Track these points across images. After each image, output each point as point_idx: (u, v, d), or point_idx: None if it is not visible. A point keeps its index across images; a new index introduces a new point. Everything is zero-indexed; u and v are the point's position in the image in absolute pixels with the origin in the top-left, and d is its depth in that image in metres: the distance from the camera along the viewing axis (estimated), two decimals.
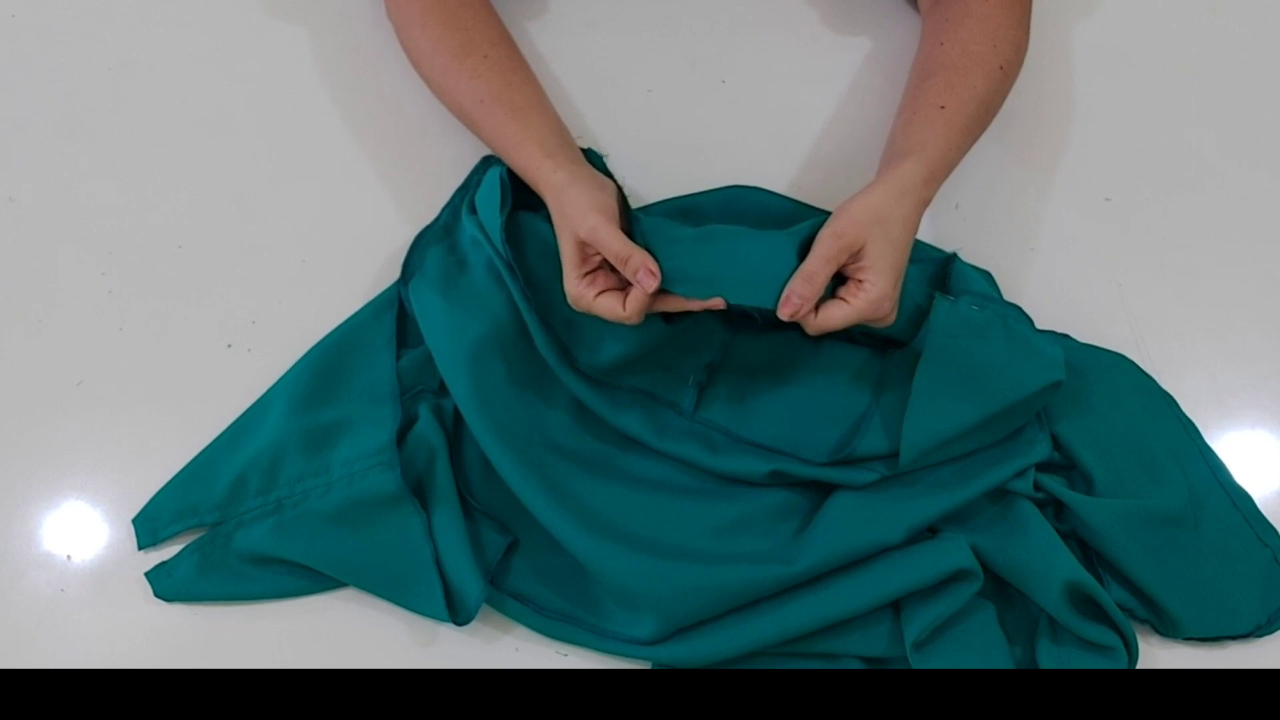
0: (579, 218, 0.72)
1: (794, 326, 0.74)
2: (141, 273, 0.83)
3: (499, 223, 0.77)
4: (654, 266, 0.70)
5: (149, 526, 0.76)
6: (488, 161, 0.85)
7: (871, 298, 0.70)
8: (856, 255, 0.71)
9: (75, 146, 0.87)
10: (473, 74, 0.80)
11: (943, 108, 0.78)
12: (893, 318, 0.72)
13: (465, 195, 0.84)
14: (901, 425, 0.73)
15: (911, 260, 0.80)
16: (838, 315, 0.71)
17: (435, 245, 0.82)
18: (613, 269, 0.73)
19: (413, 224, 0.84)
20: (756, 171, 0.85)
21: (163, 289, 0.83)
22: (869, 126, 0.88)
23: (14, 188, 0.86)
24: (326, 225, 0.85)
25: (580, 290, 0.72)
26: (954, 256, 0.81)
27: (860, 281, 0.71)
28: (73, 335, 0.81)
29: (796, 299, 0.70)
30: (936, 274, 0.80)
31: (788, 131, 0.89)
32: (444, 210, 0.84)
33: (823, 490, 0.76)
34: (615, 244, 0.70)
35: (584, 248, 0.72)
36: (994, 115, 0.82)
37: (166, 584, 0.75)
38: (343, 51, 0.90)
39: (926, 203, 0.75)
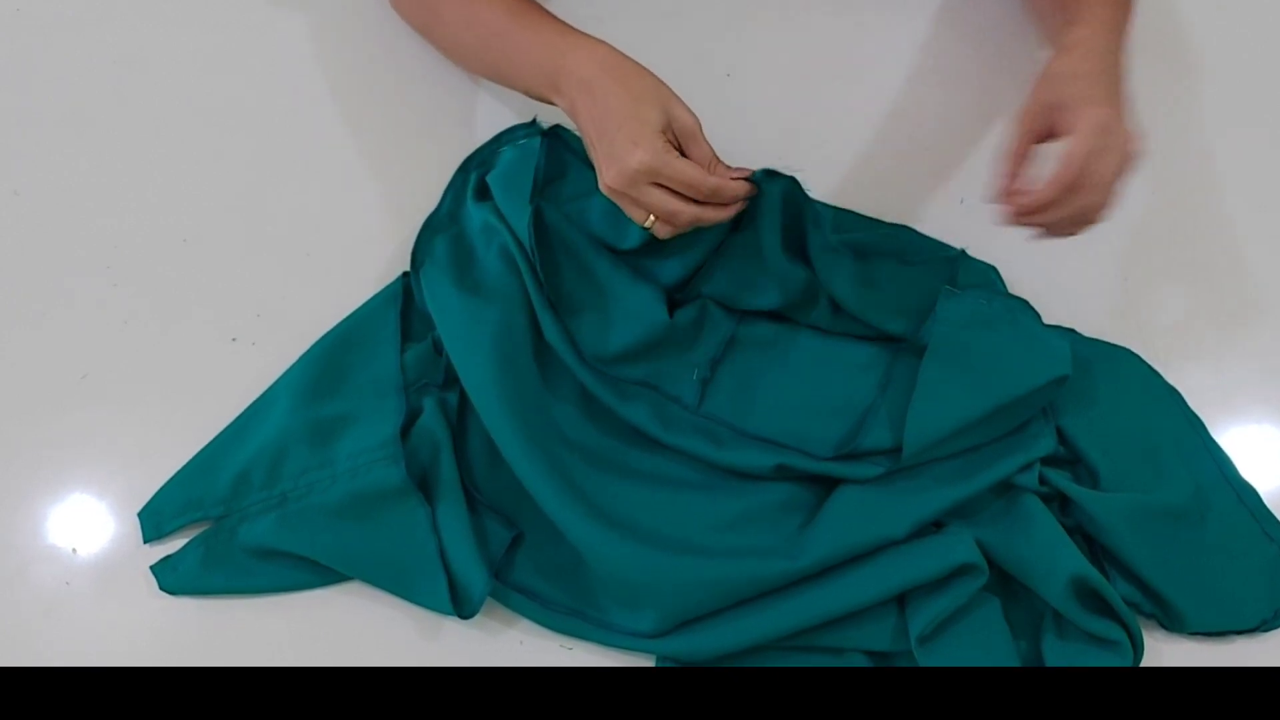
0: (677, 102, 0.71)
1: (798, 316, 0.76)
2: (145, 267, 0.83)
3: (528, 211, 0.77)
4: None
5: (154, 520, 0.76)
6: (496, 142, 0.85)
7: (1095, 123, 0.66)
8: (1059, 110, 0.68)
9: (79, 141, 0.87)
10: None
11: None
12: (1134, 137, 0.68)
13: (466, 178, 0.84)
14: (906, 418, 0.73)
15: (918, 260, 0.80)
16: (1107, 163, 0.66)
17: (442, 233, 0.82)
18: None
19: (416, 218, 0.84)
20: (762, 166, 0.85)
21: (167, 283, 0.83)
22: (876, 119, 0.88)
23: (18, 182, 0.86)
24: (330, 219, 0.85)
25: (663, 145, 0.69)
26: (962, 253, 0.81)
27: (1075, 125, 0.67)
28: (77, 329, 0.81)
29: (1002, 180, 0.68)
30: (945, 271, 0.80)
31: (794, 125, 0.89)
32: (446, 194, 0.84)
33: (827, 485, 0.76)
34: (707, 147, 0.71)
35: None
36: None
37: (171, 577, 0.75)
38: (345, 45, 0.90)
39: (1111, 45, 0.70)
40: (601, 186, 0.71)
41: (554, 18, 0.78)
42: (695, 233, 0.75)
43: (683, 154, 0.71)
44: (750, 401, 0.78)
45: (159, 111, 0.88)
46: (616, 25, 0.91)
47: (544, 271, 0.77)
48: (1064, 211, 0.69)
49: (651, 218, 0.71)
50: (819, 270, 0.77)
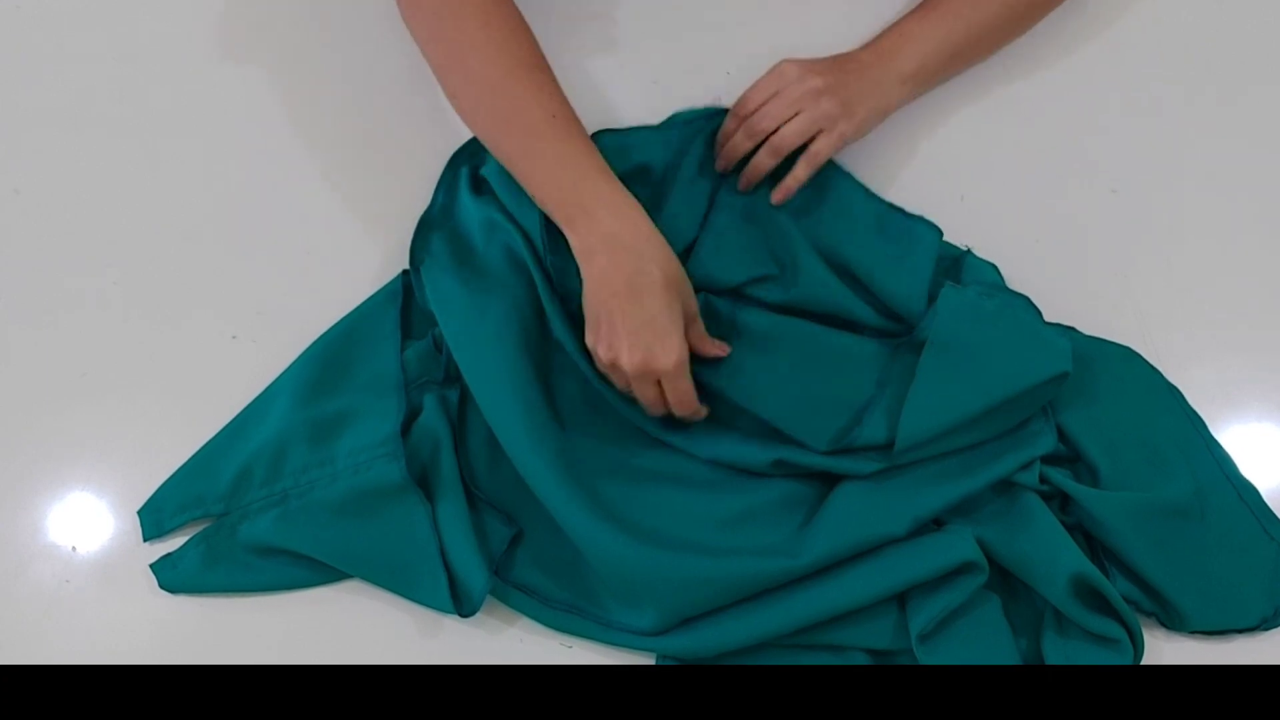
0: (687, 282, 0.73)
1: (789, 291, 0.78)
2: (146, 264, 0.83)
3: (537, 209, 0.76)
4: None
5: (154, 518, 0.76)
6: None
7: (776, 70, 0.76)
8: None
9: (80, 138, 0.87)
10: (540, 87, 0.75)
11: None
12: (825, 103, 0.77)
13: (456, 173, 0.84)
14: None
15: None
16: (774, 108, 0.77)
17: (439, 229, 0.82)
18: None
19: (417, 215, 0.84)
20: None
21: (167, 280, 0.83)
22: None
23: (19, 180, 0.86)
24: (331, 216, 0.85)
25: (685, 355, 0.72)
26: (967, 253, 0.81)
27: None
28: (77, 327, 0.82)
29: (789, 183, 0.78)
30: (948, 269, 0.80)
31: None
32: (437, 192, 0.84)
33: (828, 482, 0.76)
34: (700, 326, 0.75)
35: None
36: (997, 37, 0.86)
37: (172, 575, 0.75)
38: (346, 43, 0.90)
39: (893, 53, 0.81)
40: (601, 361, 0.73)
41: (571, 138, 0.74)
42: (686, 211, 0.79)
43: None
44: (748, 395, 0.78)
45: (159, 110, 0.88)
46: (616, 24, 0.91)
47: (554, 269, 0.77)
48: (747, 150, 0.79)
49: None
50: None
